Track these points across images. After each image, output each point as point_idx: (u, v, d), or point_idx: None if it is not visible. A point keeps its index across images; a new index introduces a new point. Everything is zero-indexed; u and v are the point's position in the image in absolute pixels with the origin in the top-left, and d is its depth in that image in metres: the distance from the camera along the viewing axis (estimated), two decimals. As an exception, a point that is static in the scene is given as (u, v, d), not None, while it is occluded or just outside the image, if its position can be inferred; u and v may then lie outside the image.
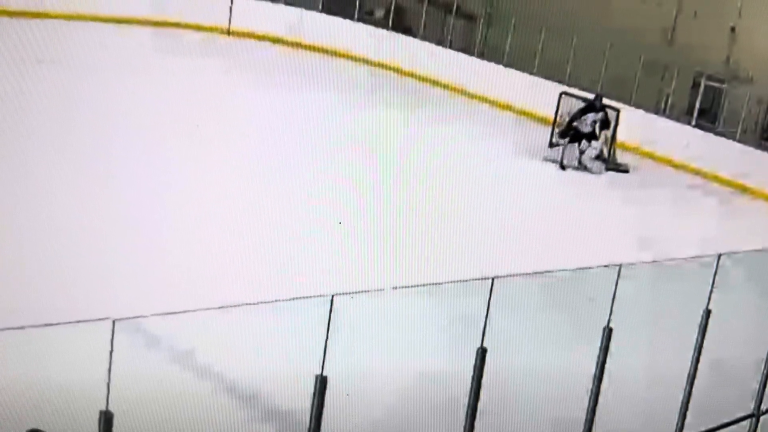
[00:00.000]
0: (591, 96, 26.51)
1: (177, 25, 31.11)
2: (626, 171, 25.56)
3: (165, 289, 12.80)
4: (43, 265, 13.43)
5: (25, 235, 14.38)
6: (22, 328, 5.94)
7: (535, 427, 11.11)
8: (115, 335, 6.11)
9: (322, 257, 15.38)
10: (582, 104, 25.99)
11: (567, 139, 25.10)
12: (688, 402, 11.16)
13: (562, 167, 24.57)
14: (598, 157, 25.13)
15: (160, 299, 11.59)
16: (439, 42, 33.07)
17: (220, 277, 13.76)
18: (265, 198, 18.18)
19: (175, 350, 10.82)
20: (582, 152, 24.90)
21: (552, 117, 26.79)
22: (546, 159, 24.98)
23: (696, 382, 11.17)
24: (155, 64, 26.52)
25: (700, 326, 11.12)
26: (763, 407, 12.37)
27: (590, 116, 25.27)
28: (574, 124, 25.13)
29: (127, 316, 6.30)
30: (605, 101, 26.02)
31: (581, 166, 24.86)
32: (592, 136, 25.00)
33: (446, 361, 10.76)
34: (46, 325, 6.01)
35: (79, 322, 6.17)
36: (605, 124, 25.44)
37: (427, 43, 32.58)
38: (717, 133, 27.34)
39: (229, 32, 32.53)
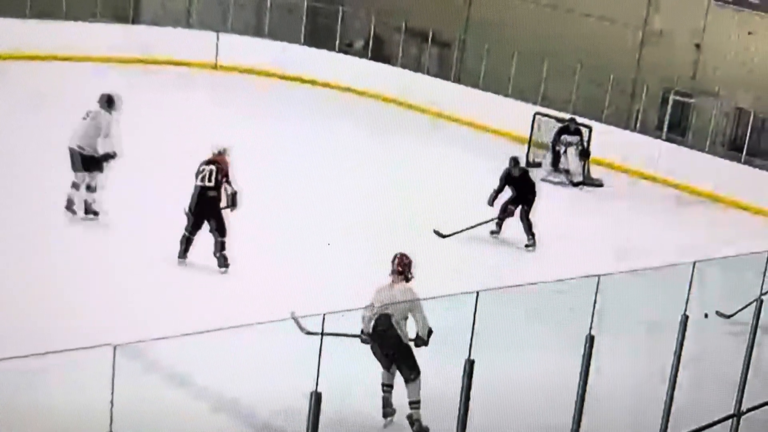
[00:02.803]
0: (564, 115, 26.66)
1: (166, 62, 31.11)
2: (600, 185, 25.59)
3: (163, 313, 12.75)
4: (42, 293, 13.38)
5: (24, 264, 14.34)
6: (26, 356, 5.89)
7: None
8: (116, 360, 6.08)
9: (313, 277, 15.36)
10: (555, 123, 26.16)
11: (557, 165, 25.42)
12: (671, 404, 11.16)
13: (574, 184, 24.94)
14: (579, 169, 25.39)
15: (158, 323, 11.54)
16: (417, 69, 33.18)
17: (216, 300, 13.72)
18: (254, 223, 18.15)
19: (175, 372, 10.79)
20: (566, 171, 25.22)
21: (527, 136, 26.88)
22: (544, 180, 25.20)
23: (678, 384, 11.18)
24: (147, 100, 26.43)
25: (678, 331, 11.12)
26: (743, 407, 12.38)
27: (565, 138, 25.44)
28: (557, 149, 25.43)
29: (127, 342, 6.27)
30: (579, 120, 26.15)
31: (565, 171, 25.14)
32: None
33: (437, 374, 10.73)
34: (49, 352, 5.97)
35: (80, 348, 6.13)
36: (585, 153, 25.58)
37: (405, 71, 32.66)
38: (687, 146, 27.44)
39: (216, 67, 32.56)
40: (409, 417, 11.13)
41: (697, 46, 29.09)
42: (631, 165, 27.43)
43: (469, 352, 8.63)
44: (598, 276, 9.92)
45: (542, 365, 12.09)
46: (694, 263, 11.16)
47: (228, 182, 15.56)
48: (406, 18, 33.56)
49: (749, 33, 28.10)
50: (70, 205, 16.88)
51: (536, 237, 19.36)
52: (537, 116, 27.08)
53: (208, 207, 15.40)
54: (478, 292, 8.68)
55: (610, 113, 29.00)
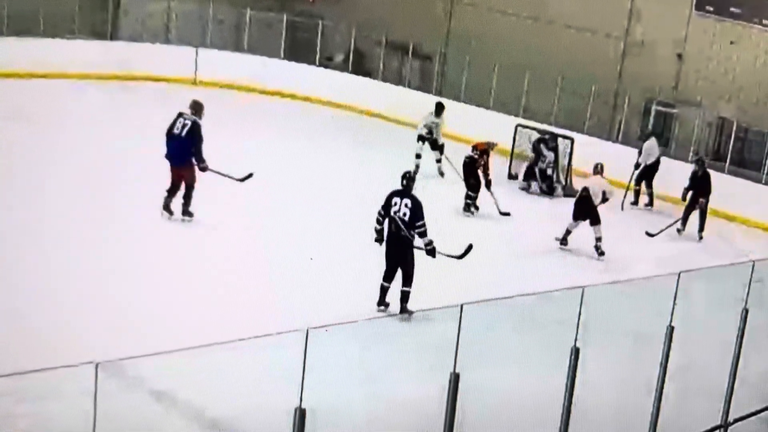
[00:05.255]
0: (546, 127, 26.81)
1: (145, 78, 31.08)
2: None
3: (145, 331, 12.72)
4: (23, 310, 13.34)
5: (7, 282, 14.31)
6: (5, 375, 5.88)
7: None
8: (98, 378, 6.07)
9: (297, 293, 15.33)
10: (537, 135, 26.31)
11: (535, 182, 25.65)
12: (657, 416, 11.18)
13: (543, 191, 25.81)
14: (556, 182, 25.52)
15: (141, 341, 11.52)
16: (398, 82, 33.24)
17: (199, 317, 13.69)
18: (238, 239, 18.15)
19: (157, 390, 10.75)
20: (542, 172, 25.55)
21: (509, 149, 26.93)
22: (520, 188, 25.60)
23: (664, 396, 11.20)
24: (126, 116, 26.48)
25: (664, 342, 11.15)
26: (730, 418, 12.40)
27: (542, 148, 25.74)
28: (535, 169, 25.70)
29: (109, 359, 6.26)
30: (559, 131, 26.29)
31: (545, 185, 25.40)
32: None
33: (422, 388, 10.73)
34: (32, 371, 5.96)
35: (63, 367, 6.12)
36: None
37: (386, 84, 32.70)
38: (670, 157, 27.49)
39: (195, 82, 32.51)
40: (596, 247, 20.34)
41: (679, 56, 29.17)
42: (612, 176, 27.46)
43: (454, 366, 8.63)
44: (583, 288, 9.95)
45: (528, 378, 12.09)
46: (679, 274, 11.20)
47: (476, 151, 22.93)
48: (387, 31, 33.61)
49: (731, 43, 28.21)
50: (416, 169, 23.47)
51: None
52: (519, 128, 27.15)
53: (464, 169, 22.87)
54: (462, 305, 8.69)
55: (592, 124, 29.08)
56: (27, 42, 29.35)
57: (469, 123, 28.65)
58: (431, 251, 15.49)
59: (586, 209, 20.34)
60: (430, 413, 9.11)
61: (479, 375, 9.32)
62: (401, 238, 15.36)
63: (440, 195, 23.11)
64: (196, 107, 19.23)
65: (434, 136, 25.48)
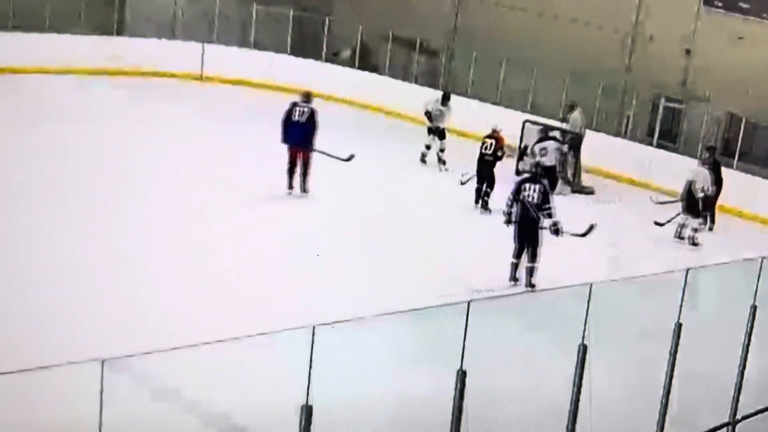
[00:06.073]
0: (553, 123, 26.77)
1: (152, 74, 31.11)
2: (591, 193, 25.64)
3: (152, 327, 12.72)
4: (30, 307, 13.34)
5: (13, 277, 14.31)
6: (10, 373, 5.88)
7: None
8: (104, 375, 6.07)
9: (303, 289, 15.32)
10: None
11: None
12: (665, 413, 11.16)
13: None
14: (564, 180, 25.42)
15: (147, 338, 11.52)
16: (405, 78, 33.23)
17: (205, 314, 13.68)
18: (245, 235, 18.15)
19: (164, 387, 10.75)
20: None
21: (516, 144, 26.89)
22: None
23: (672, 393, 11.18)
24: (132, 113, 26.48)
25: (672, 339, 11.13)
26: (738, 415, 12.39)
27: (539, 146, 25.51)
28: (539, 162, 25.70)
29: (115, 356, 6.25)
30: (564, 127, 26.32)
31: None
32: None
33: (429, 386, 10.71)
34: (37, 368, 5.96)
35: (68, 363, 6.11)
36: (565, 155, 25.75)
37: (393, 80, 32.69)
38: (678, 153, 27.48)
39: (202, 78, 32.55)
40: (689, 237, 22.13)
41: (687, 51, 29.16)
42: (622, 172, 27.46)
43: (461, 363, 8.62)
44: (590, 284, 9.93)
45: (534, 375, 12.08)
46: (687, 270, 11.18)
47: (502, 150, 22.76)
48: (394, 27, 33.60)
49: (739, 38, 28.17)
50: (422, 158, 26.29)
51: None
52: (526, 124, 27.11)
53: (486, 167, 22.61)
54: (469, 302, 8.68)
55: (600, 120, 29.05)
56: (33, 37, 29.36)
57: (476, 118, 28.64)
58: (557, 230, 17.65)
59: (692, 202, 22.11)
60: (438, 410, 9.10)
61: (486, 372, 9.30)
62: (531, 219, 17.42)
63: (445, 189, 23.17)
64: (309, 96, 22.02)
65: (436, 122, 26.11)
